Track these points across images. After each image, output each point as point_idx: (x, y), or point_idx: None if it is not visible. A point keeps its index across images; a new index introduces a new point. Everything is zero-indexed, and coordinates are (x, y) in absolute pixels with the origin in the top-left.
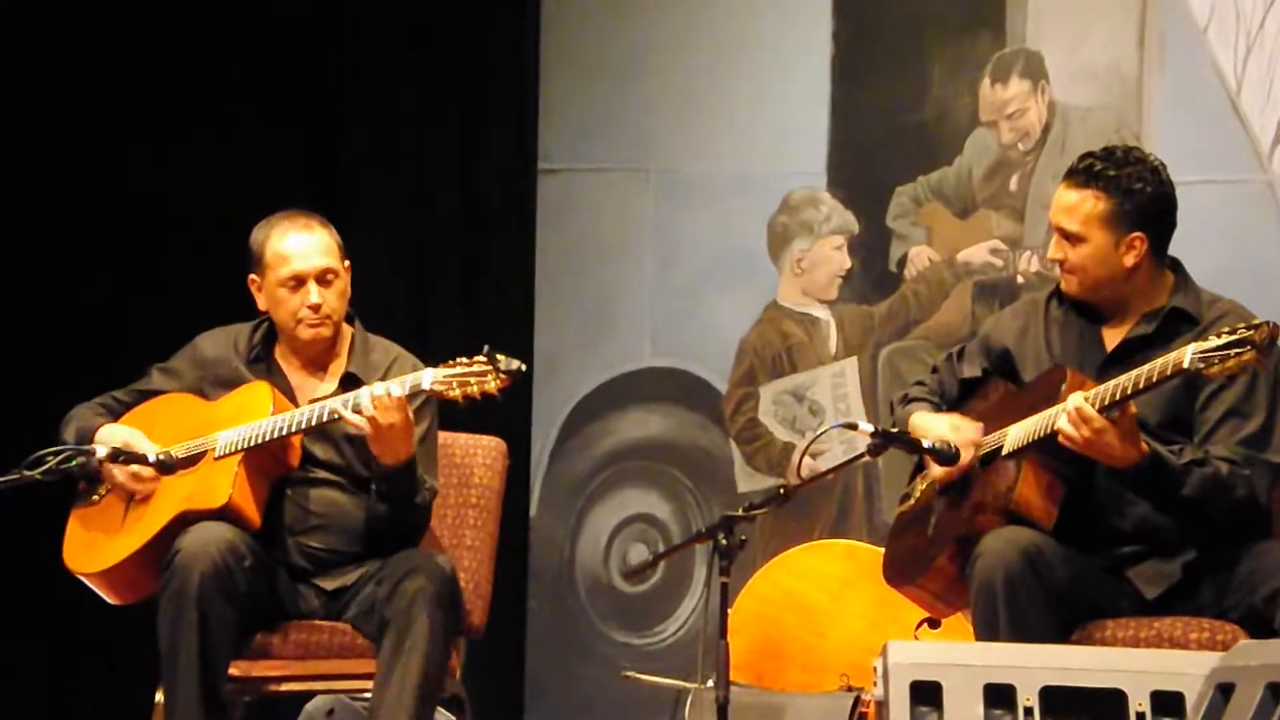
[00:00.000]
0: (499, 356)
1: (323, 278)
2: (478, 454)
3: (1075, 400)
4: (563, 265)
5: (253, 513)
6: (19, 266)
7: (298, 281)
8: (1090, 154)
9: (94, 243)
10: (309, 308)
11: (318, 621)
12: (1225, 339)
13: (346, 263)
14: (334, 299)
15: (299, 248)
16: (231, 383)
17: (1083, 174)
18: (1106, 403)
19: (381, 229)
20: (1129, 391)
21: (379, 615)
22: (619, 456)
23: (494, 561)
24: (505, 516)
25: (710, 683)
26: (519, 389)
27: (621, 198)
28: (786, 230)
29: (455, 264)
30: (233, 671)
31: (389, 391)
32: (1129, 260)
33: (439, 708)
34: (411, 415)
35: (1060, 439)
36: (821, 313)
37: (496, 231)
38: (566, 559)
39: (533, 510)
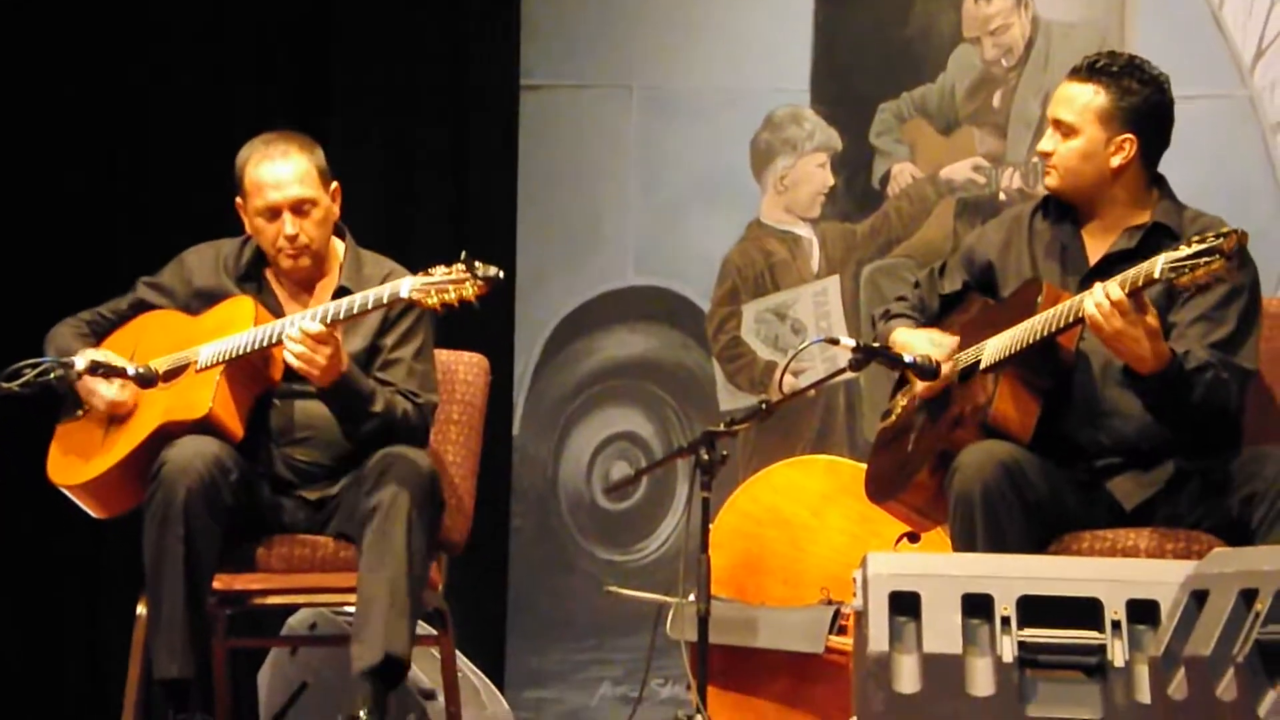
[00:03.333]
0: (476, 264)
1: (299, 208)
2: (459, 370)
3: (1110, 288)
4: (545, 183)
5: (234, 425)
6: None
7: (273, 212)
8: (1100, 53)
9: (81, 144)
10: (285, 238)
11: (301, 535)
12: (1195, 248)
13: (334, 184)
14: (312, 228)
15: (273, 177)
16: (218, 298)
17: (1088, 70)
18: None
19: (366, 144)
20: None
21: (360, 511)
22: (602, 375)
23: (476, 478)
24: (488, 434)
25: (692, 597)
26: (500, 306)
27: (604, 115)
28: (769, 148)
29: (439, 181)
30: (216, 585)
31: (303, 325)
32: (1116, 160)
33: (421, 621)
34: (338, 337)
35: (1088, 324)
36: (804, 230)
37: (479, 148)
38: (549, 476)
39: (515, 428)
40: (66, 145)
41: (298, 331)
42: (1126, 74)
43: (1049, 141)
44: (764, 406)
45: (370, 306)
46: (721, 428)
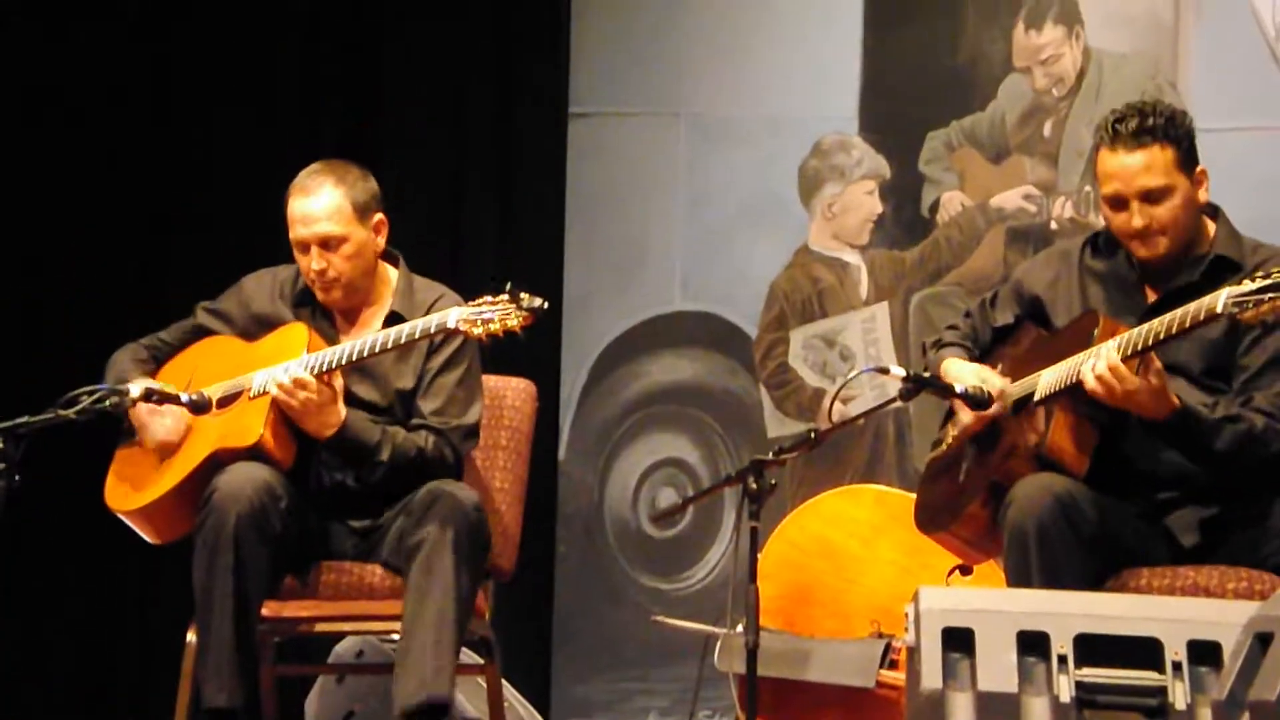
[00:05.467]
0: (522, 295)
1: (325, 243)
2: (508, 396)
3: (1108, 355)
4: (593, 208)
5: (283, 452)
6: (69, 195)
7: (302, 246)
8: (1120, 116)
9: (137, 171)
10: (314, 272)
11: (348, 563)
12: (1260, 283)
13: (377, 216)
14: (341, 263)
15: (301, 212)
16: (275, 325)
17: (1133, 135)
18: (1139, 347)
19: (416, 169)
20: (1161, 336)
21: (406, 544)
22: (648, 400)
23: (523, 504)
24: (534, 459)
25: (739, 628)
26: (548, 331)
27: (652, 141)
28: (818, 175)
29: (487, 205)
30: (264, 612)
31: (283, 377)
32: (1204, 196)
33: (465, 649)
34: (330, 387)
35: (1088, 392)
36: (852, 257)
37: (528, 174)
38: (595, 503)
39: (562, 453)
40: (128, 180)
41: (287, 380)
42: (1165, 118)
43: (1141, 216)
44: (813, 435)
45: (417, 337)
46: (770, 456)
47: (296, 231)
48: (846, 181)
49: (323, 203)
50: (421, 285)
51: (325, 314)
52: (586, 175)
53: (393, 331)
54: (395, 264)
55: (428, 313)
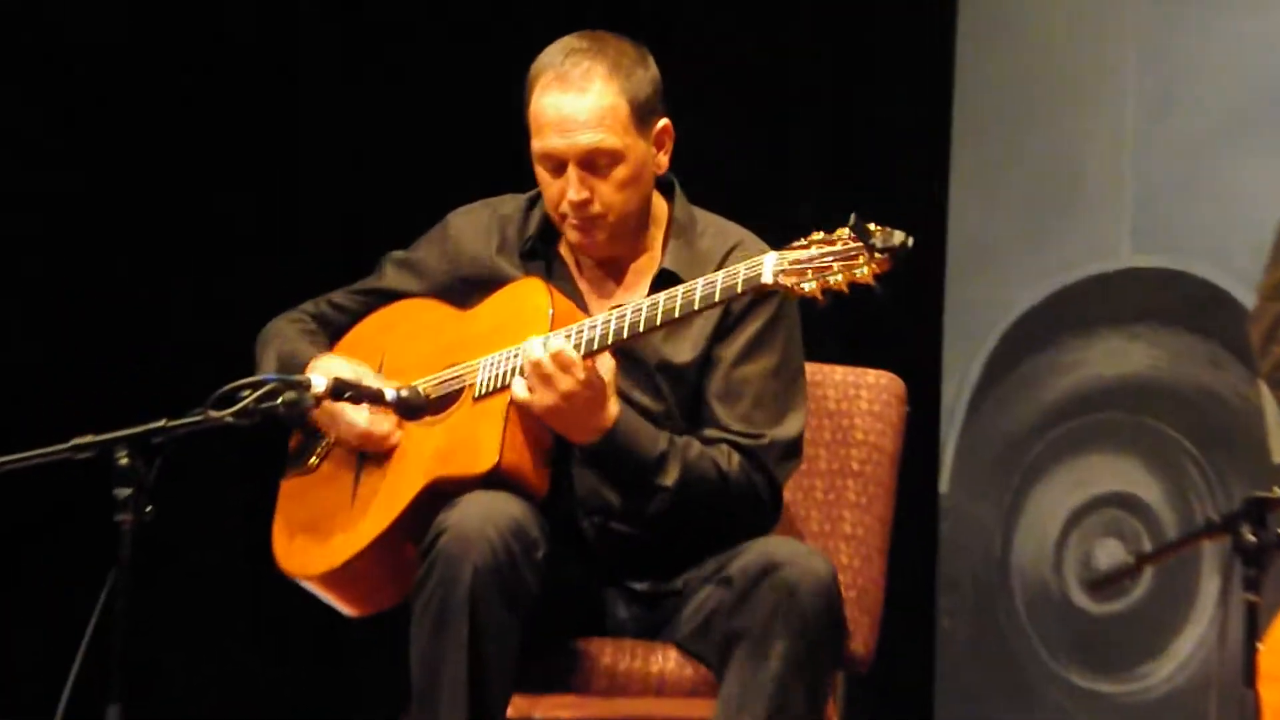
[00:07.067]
0: (873, 229)
1: (590, 161)
2: (860, 396)
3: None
4: (992, 107)
5: (535, 479)
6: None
7: (555, 163)
8: None
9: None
10: (570, 203)
11: (628, 641)
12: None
13: (661, 122)
14: (611, 192)
15: (556, 115)
16: (495, 283)
17: None
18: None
19: (689, 43)
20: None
21: (721, 632)
22: (1079, 405)
23: (885, 559)
24: (903, 492)
25: None
26: (920, 298)
27: (1090, 9)
28: None
29: (813, 104)
30: (511, 712)
31: (540, 352)
32: None
33: None
34: (598, 371)
35: None
36: None
37: (886, 52)
38: (997, 558)
39: (944, 484)
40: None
41: (546, 358)
42: None
43: None
44: None
45: (717, 299)
46: (1276, 494)
47: (548, 141)
48: None
49: (590, 101)
50: (708, 226)
51: (563, 268)
52: (984, 61)
53: (681, 291)
54: (669, 196)
55: (719, 268)
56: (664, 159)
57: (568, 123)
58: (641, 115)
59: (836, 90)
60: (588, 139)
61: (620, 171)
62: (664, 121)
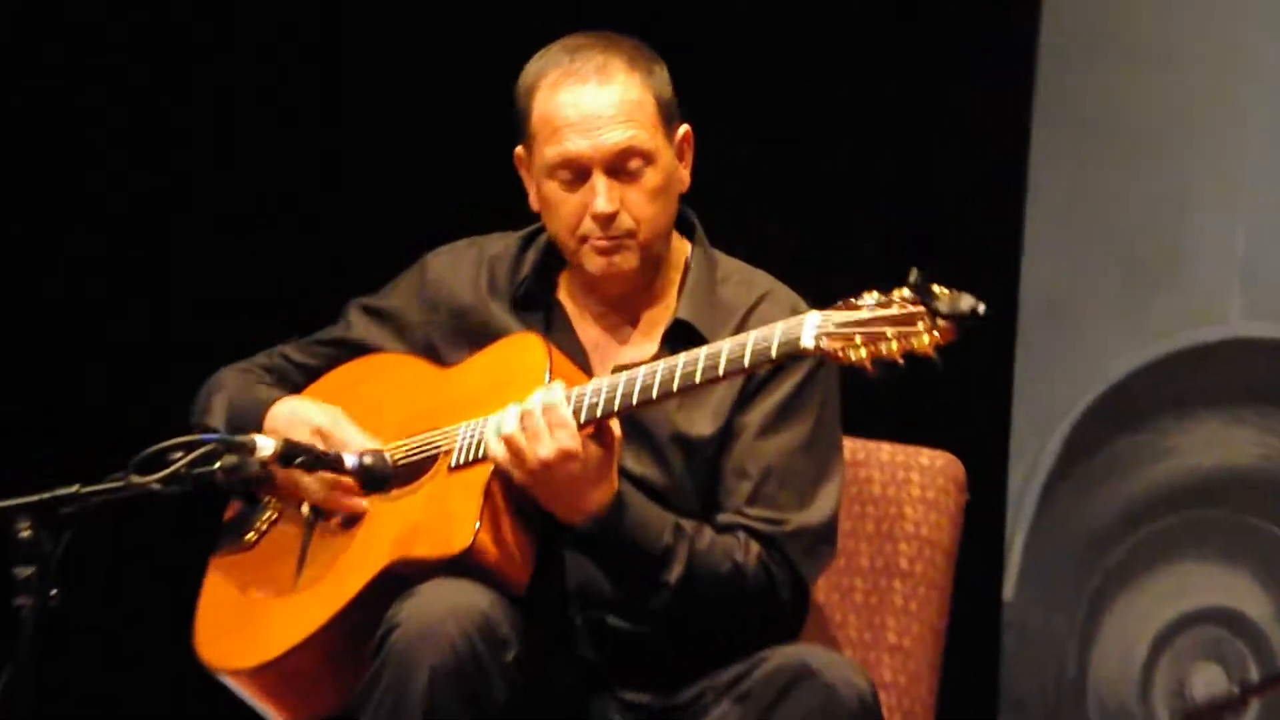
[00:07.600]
0: (936, 290)
1: (619, 165)
2: (912, 482)
3: None
4: (1075, 130)
5: (515, 566)
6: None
7: (576, 170)
8: None
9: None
10: (594, 218)
11: None
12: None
13: (683, 127)
14: (642, 203)
15: (578, 112)
16: (481, 335)
17: None
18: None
19: (723, 66)
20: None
21: None
22: (1172, 499)
23: (938, 676)
24: (959, 596)
25: None
26: (986, 366)
27: (1191, 17)
28: None
29: (862, 127)
30: None
31: (547, 406)
32: None
33: None
34: (603, 443)
35: None
36: None
37: (939, 48)
38: (1070, 680)
39: (1008, 591)
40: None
41: (538, 413)
42: None
43: None
44: None
45: (747, 363)
46: None
47: (568, 145)
48: None
49: (615, 94)
50: (732, 273)
51: (563, 318)
52: (1069, 87)
53: (704, 355)
54: (689, 235)
55: (743, 323)
56: (686, 174)
57: (592, 120)
58: (667, 115)
59: (902, 119)
60: (616, 136)
61: (652, 177)
62: (685, 128)
